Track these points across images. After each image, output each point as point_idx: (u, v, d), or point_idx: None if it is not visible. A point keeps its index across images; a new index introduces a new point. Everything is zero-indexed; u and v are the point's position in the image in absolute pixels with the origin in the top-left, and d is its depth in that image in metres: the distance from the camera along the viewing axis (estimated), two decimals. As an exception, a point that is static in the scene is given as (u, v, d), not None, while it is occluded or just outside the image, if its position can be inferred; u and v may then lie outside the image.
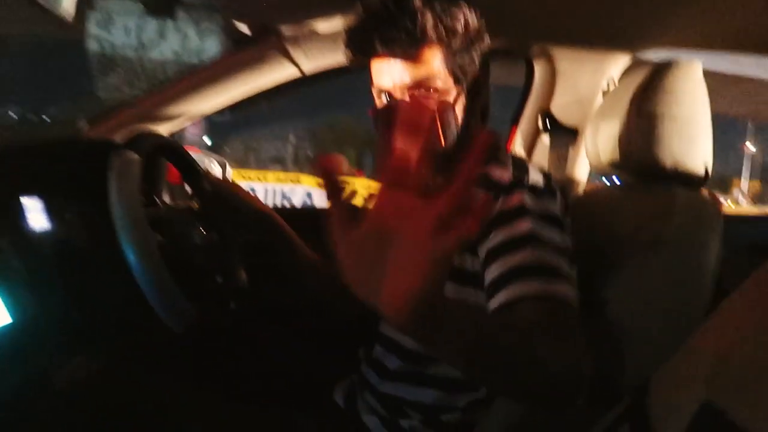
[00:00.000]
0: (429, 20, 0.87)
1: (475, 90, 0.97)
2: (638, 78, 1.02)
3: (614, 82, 1.42)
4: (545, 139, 1.53)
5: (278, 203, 7.11)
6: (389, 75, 0.91)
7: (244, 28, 1.30)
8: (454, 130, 0.93)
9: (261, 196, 7.02)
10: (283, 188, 7.24)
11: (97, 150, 1.01)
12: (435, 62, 0.90)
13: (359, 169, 19.36)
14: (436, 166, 0.94)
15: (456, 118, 0.93)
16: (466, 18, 0.91)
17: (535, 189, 0.87)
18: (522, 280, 0.75)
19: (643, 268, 0.90)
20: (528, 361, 0.58)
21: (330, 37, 1.32)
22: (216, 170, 1.53)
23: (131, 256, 0.87)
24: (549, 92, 1.52)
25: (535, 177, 0.89)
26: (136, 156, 0.94)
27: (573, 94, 1.47)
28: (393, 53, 0.88)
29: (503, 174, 0.90)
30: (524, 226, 0.80)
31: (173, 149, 1.15)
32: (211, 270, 1.11)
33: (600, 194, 1.15)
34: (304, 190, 7.24)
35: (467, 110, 0.96)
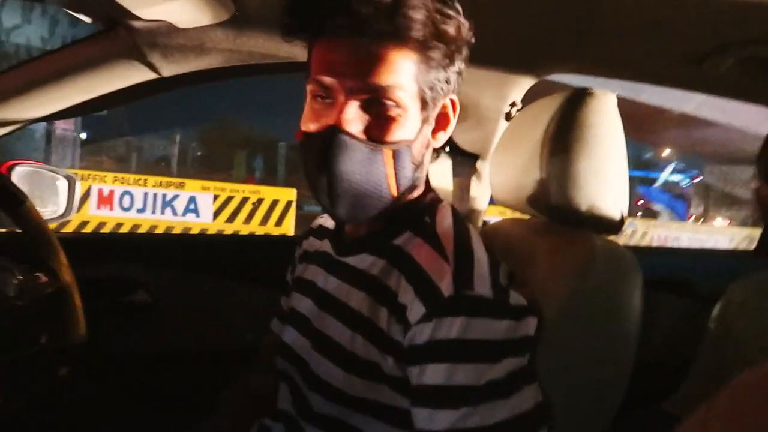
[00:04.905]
0: (419, 12, 0.64)
1: (441, 123, 0.76)
2: (548, 107, 0.92)
3: (518, 106, 1.33)
4: (444, 164, 1.41)
5: (159, 210, 6.58)
6: (337, 66, 0.66)
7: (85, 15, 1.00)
8: (409, 175, 0.71)
9: (140, 203, 6.49)
10: (165, 194, 6.68)
11: None
12: (405, 70, 0.66)
13: (250, 174, 18.70)
14: (380, 219, 0.74)
15: (415, 159, 0.72)
16: (460, 23, 0.69)
17: (482, 306, 0.63)
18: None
19: (562, 330, 0.78)
20: None
21: (194, 34, 1.04)
22: (62, 187, 1.26)
23: None
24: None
25: (482, 278, 0.66)
26: None
27: (474, 117, 1.35)
28: (356, 36, 0.64)
29: (440, 270, 0.65)
30: (464, 371, 0.61)
31: None
32: (31, 328, 0.86)
33: (507, 229, 1.03)
34: (188, 196, 6.75)
35: (426, 148, 0.75)
